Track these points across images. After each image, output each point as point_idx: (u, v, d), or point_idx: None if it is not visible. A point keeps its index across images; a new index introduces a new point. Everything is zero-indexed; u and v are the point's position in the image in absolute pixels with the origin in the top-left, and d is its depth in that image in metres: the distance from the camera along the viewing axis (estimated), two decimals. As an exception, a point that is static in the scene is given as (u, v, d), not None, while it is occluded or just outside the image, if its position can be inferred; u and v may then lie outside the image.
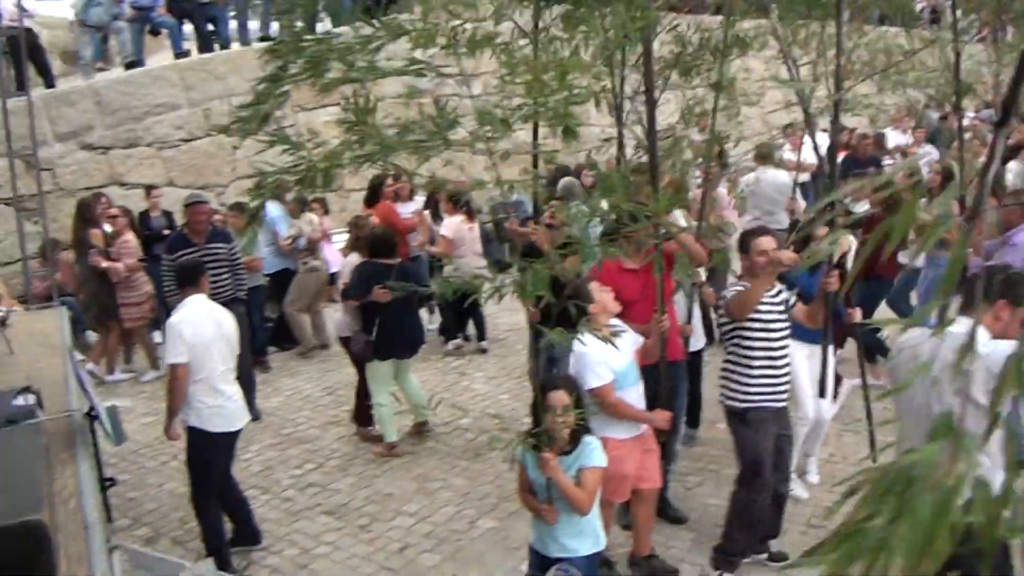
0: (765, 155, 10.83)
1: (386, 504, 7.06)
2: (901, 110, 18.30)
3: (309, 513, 6.95)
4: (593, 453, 4.65)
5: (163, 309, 10.91)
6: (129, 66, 13.58)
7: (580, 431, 4.67)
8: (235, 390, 6.26)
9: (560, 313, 4.31)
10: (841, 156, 12.24)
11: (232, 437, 6.27)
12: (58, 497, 3.73)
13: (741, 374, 5.66)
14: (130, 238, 10.23)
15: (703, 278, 7.04)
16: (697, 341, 7.27)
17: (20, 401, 4.46)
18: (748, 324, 5.59)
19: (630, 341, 5.56)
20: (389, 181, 10.85)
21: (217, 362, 6.09)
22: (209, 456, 6.17)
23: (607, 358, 5.31)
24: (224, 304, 6.83)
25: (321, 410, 9.16)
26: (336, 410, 9.01)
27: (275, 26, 15.42)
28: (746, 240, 5.73)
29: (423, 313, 9.53)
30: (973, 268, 6.92)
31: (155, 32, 14.27)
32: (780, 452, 5.83)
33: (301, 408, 8.94)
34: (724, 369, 5.82)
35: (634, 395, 5.52)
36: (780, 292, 5.77)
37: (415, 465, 7.70)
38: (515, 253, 11.11)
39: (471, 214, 10.31)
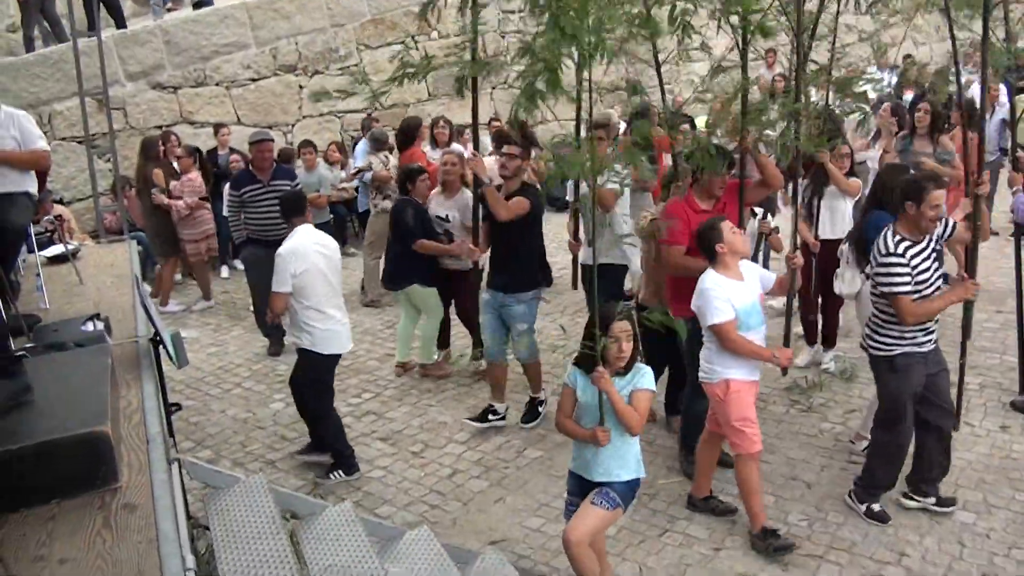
0: None
1: (438, 432, 7.32)
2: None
3: (365, 439, 7.23)
4: (646, 377, 4.76)
5: (229, 243, 11.30)
6: (197, 5, 13.84)
7: (634, 360, 4.76)
8: (342, 314, 6.66)
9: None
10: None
11: (339, 358, 6.77)
12: (122, 413, 3.99)
13: (892, 324, 5.49)
14: (194, 176, 10.53)
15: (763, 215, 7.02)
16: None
17: (89, 327, 4.75)
18: (897, 275, 5.33)
19: (758, 283, 5.60)
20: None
21: (326, 287, 6.50)
22: (322, 375, 6.66)
23: (731, 295, 5.35)
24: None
25: (380, 343, 9.43)
26: (395, 343, 9.25)
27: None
28: (917, 188, 5.37)
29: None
30: (1019, 205, 6.91)
31: (223, -29, 14.49)
32: (938, 389, 5.71)
33: (361, 340, 9.15)
34: (873, 319, 5.65)
35: (757, 338, 5.45)
36: (931, 240, 5.53)
37: (468, 396, 7.94)
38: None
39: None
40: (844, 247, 6.93)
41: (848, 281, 6.80)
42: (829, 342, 8.13)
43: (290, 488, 6.15)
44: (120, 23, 13.19)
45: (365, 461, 6.86)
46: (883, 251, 5.39)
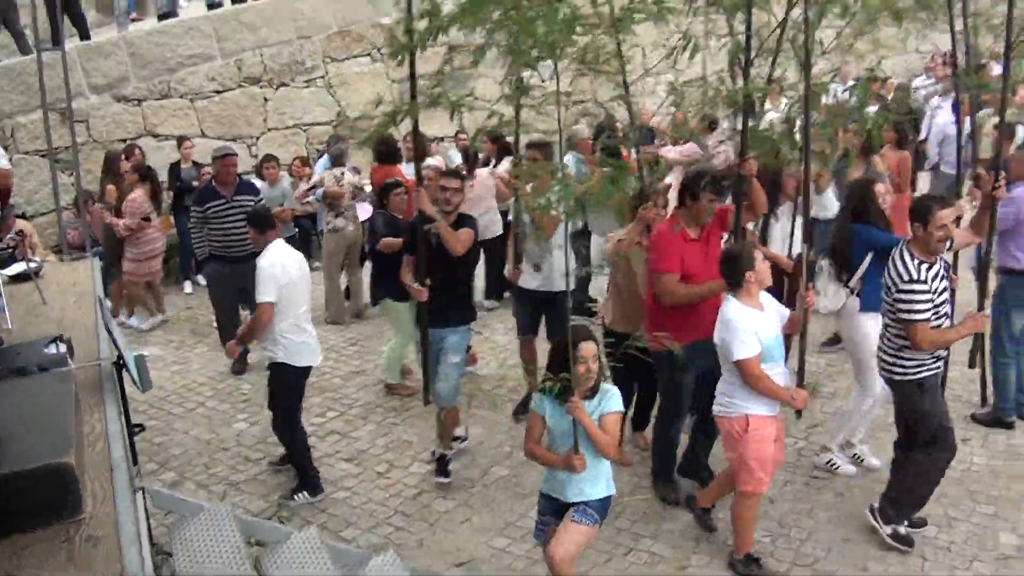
0: None
1: (404, 451, 7.31)
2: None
3: (329, 460, 7.19)
4: (614, 399, 4.79)
5: (190, 259, 11.21)
6: (162, 17, 13.72)
7: (599, 380, 4.80)
8: (312, 328, 6.77)
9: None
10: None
11: (311, 371, 6.84)
12: (86, 440, 3.95)
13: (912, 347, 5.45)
14: (136, 196, 10.14)
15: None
16: None
17: (52, 349, 4.70)
18: (920, 301, 5.32)
19: (776, 315, 5.45)
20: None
21: (301, 301, 6.62)
22: (294, 388, 6.71)
23: (758, 328, 5.22)
24: (252, 256, 7.15)
25: (345, 360, 9.39)
26: (360, 360, 9.25)
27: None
28: (923, 209, 5.41)
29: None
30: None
31: (189, -19, 14.46)
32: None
33: (325, 358, 9.01)
34: (891, 345, 5.59)
35: (777, 371, 5.35)
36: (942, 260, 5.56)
37: (433, 414, 7.87)
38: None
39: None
40: (823, 261, 6.88)
41: (832, 295, 6.67)
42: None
43: (255, 510, 6.13)
44: (84, 34, 13.07)
45: (329, 482, 6.83)
46: (906, 276, 5.34)
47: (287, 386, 6.64)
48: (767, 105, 12.30)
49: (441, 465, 6.83)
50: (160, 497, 4.92)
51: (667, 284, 5.98)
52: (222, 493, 6.66)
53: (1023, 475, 6.59)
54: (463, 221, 6.74)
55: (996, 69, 16.83)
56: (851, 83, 12.51)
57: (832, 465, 6.66)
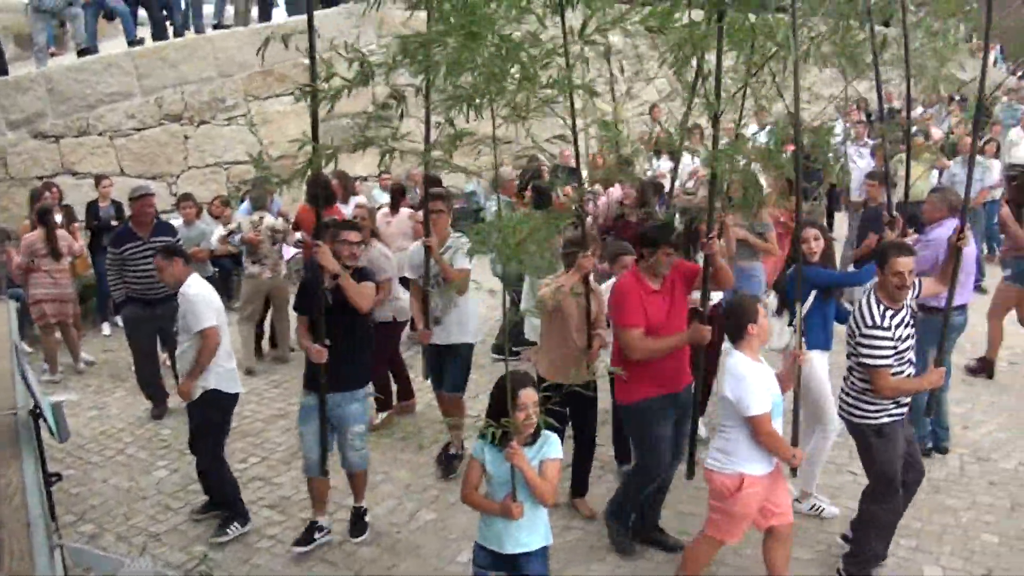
0: None
1: (328, 498, 7.19)
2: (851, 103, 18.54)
3: (252, 507, 7.04)
4: (553, 445, 4.75)
5: (107, 301, 10.98)
6: (82, 53, 13.55)
7: (539, 427, 4.73)
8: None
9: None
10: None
11: (237, 400, 6.92)
12: (2, 495, 3.84)
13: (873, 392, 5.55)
14: (28, 237, 9.92)
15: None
16: None
17: (-35, 401, 4.58)
18: (881, 347, 5.42)
19: (771, 370, 5.39)
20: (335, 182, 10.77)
21: (226, 328, 6.77)
22: (224, 416, 6.81)
23: (769, 384, 5.16)
24: (170, 297, 7.24)
25: (267, 403, 9.28)
26: (282, 403, 9.14)
27: (230, 12, 15.46)
28: (882, 254, 5.57)
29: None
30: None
31: (109, 17, 14.26)
32: (913, 449, 5.87)
33: (246, 401, 8.94)
34: (853, 387, 5.68)
35: (778, 427, 5.26)
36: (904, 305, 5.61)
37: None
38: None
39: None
40: (768, 298, 6.92)
41: (777, 334, 6.66)
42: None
43: (176, 562, 6.01)
44: (2, 69, 12.83)
45: (253, 531, 6.72)
46: (869, 322, 5.43)
47: (218, 416, 6.70)
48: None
49: (359, 519, 6.69)
50: (79, 554, 4.76)
51: (632, 339, 5.81)
52: (142, 545, 6.50)
53: (943, 508, 6.74)
54: (363, 275, 6.45)
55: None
56: (767, 127, 12.84)
57: (817, 510, 6.73)
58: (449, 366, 7.50)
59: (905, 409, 5.69)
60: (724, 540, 5.43)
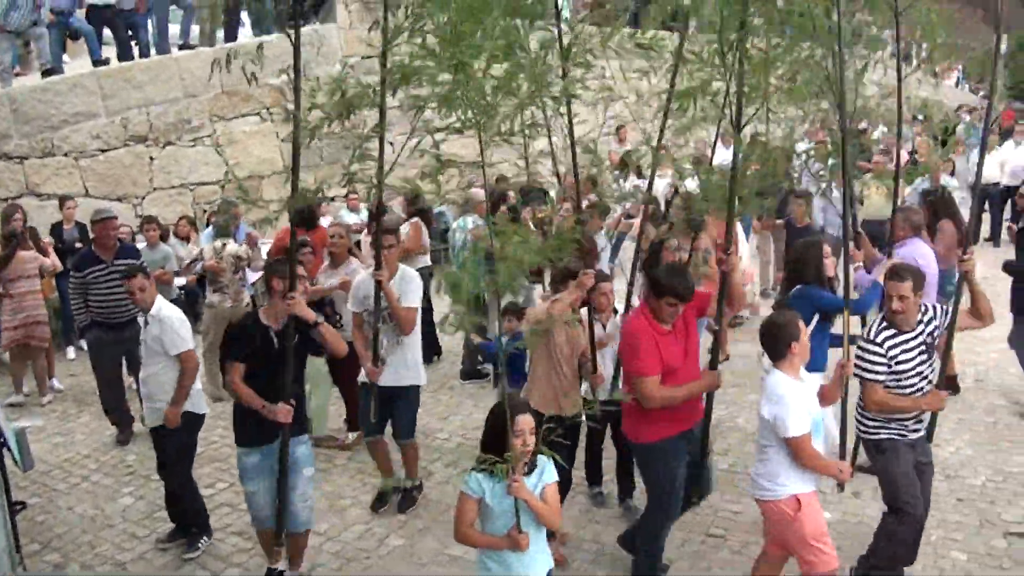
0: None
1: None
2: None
3: (219, 534, 6.98)
4: (549, 469, 4.66)
5: (70, 325, 10.88)
6: (47, 73, 13.46)
7: (536, 454, 4.63)
8: None
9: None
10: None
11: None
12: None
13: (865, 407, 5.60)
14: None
15: None
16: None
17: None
18: (872, 363, 5.46)
19: (814, 389, 5.27)
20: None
21: None
22: (194, 436, 6.89)
23: (809, 404, 5.03)
24: (133, 321, 7.28)
25: (235, 428, 9.17)
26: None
27: (195, 32, 15.40)
28: (886, 276, 5.64)
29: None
30: (861, 281, 7.22)
31: (74, 37, 14.17)
32: (923, 482, 5.73)
33: (214, 426, 8.78)
34: (859, 403, 5.69)
35: (818, 447, 5.13)
36: (919, 332, 5.56)
37: (326, 483, 7.78)
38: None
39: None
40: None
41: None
42: None
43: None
44: (-36, 90, 12.72)
45: (219, 559, 6.66)
46: (867, 335, 5.51)
47: (191, 438, 6.77)
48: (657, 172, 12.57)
49: None
50: (42, 586, 4.74)
51: (648, 388, 5.46)
52: (108, 574, 6.42)
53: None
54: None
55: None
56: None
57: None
58: (397, 411, 7.18)
59: (913, 433, 5.66)
60: (829, 569, 5.13)
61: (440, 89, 4.37)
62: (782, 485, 5.08)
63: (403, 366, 7.08)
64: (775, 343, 5.13)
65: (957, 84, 32.80)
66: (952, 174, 14.27)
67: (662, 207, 10.88)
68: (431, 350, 10.75)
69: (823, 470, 5.13)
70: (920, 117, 18.73)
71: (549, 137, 6.01)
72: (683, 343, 5.64)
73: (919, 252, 7.33)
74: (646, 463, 5.87)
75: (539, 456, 4.64)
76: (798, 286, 6.70)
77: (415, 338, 7.17)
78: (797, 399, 4.97)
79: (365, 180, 5.22)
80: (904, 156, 16.09)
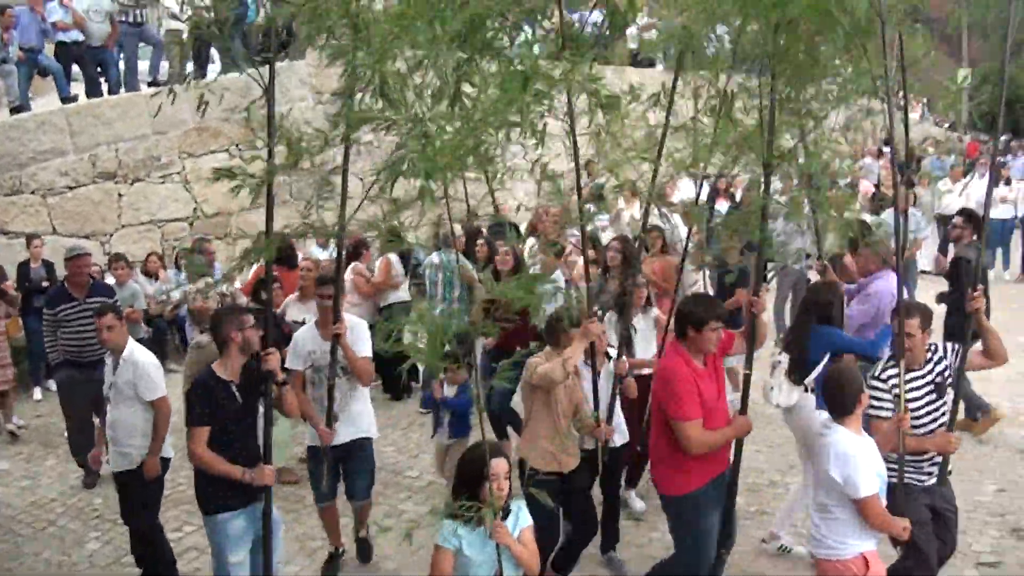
0: None
1: (264, 568, 7.09)
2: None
3: (188, 578, 6.91)
4: (524, 513, 4.65)
5: (41, 364, 10.78)
6: (15, 111, 13.39)
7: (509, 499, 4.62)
8: None
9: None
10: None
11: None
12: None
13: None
14: None
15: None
16: (620, 436, 6.69)
17: None
18: (876, 399, 5.37)
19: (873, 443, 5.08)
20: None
21: None
22: (161, 480, 6.76)
23: (876, 463, 4.89)
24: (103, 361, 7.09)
25: (204, 468, 9.08)
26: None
27: (164, 69, 15.37)
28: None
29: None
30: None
31: (43, 74, 14.11)
32: (946, 528, 5.65)
33: (181, 468, 8.35)
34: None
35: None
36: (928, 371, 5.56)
37: (297, 524, 7.72)
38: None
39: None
40: (779, 357, 6.68)
41: (786, 392, 6.50)
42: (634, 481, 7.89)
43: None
44: (-68, 127, 12.63)
45: (189, 604, 6.59)
46: (872, 373, 5.50)
47: (156, 481, 6.64)
48: (622, 204, 12.68)
49: None
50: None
51: (694, 434, 5.25)
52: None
53: (888, 556, 6.73)
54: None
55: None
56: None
57: (785, 549, 6.87)
58: (355, 469, 6.78)
59: (929, 479, 5.60)
60: None
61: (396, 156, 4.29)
62: (848, 544, 4.95)
63: (359, 417, 6.69)
64: (842, 398, 4.94)
65: (922, 117, 33.24)
66: (915, 204, 14.43)
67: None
68: (400, 390, 10.98)
69: (888, 528, 4.98)
70: (887, 150, 18.97)
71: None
72: (715, 381, 5.48)
73: (893, 284, 7.38)
74: (679, 515, 5.64)
75: (511, 501, 4.63)
76: (823, 328, 6.59)
77: (367, 389, 6.91)
78: (866, 458, 4.84)
79: (326, 228, 5.20)
80: (867, 187, 16.30)
